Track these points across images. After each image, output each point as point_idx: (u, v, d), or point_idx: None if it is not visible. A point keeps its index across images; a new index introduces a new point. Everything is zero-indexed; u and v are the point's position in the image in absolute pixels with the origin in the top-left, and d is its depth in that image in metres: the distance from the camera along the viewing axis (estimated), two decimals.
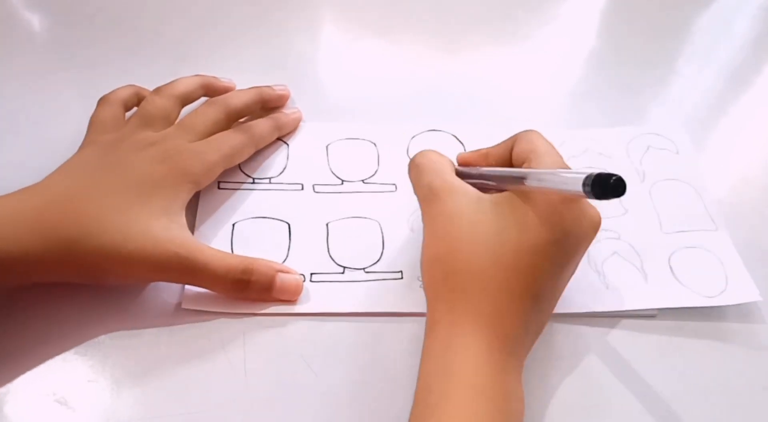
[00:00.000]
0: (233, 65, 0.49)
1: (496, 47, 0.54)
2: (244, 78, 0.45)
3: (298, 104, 0.46)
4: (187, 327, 0.35)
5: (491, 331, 0.30)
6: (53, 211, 0.33)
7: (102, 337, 0.34)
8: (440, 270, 0.31)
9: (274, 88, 0.45)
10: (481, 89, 0.49)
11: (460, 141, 0.45)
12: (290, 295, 0.36)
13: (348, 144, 0.44)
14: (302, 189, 0.41)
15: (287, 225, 0.39)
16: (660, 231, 0.41)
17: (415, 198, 0.41)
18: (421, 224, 0.40)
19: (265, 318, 0.35)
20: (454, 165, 0.37)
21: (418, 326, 0.36)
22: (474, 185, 0.34)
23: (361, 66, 0.51)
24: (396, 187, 0.42)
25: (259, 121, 0.42)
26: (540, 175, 0.30)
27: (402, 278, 0.38)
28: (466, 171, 0.36)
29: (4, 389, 0.32)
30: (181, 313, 0.35)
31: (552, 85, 0.51)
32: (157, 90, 0.41)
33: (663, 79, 0.52)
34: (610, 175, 0.25)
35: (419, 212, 0.40)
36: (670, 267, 0.39)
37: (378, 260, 0.38)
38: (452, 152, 0.44)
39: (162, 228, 0.34)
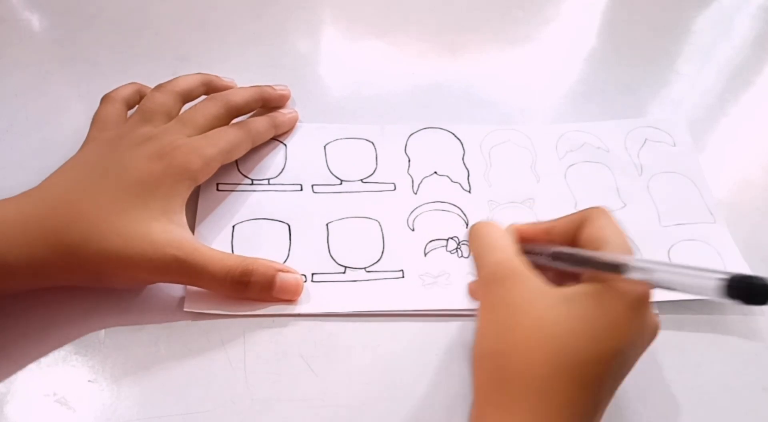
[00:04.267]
0: (233, 65, 0.49)
1: (496, 47, 0.54)
2: (244, 77, 0.45)
3: (297, 104, 0.46)
4: (187, 326, 0.35)
5: None
6: (56, 215, 0.33)
7: (102, 337, 0.34)
8: (494, 370, 0.28)
9: (275, 87, 0.45)
10: (482, 89, 0.49)
11: (458, 138, 0.45)
12: (291, 295, 0.36)
13: (346, 144, 0.44)
14: (301, 189, 0.41)
15: (287, 226, 0.39)
16: (659, 225, 0.41)
17: (414, 197, 0.41)
18: (421, 223, 0.40)
19: (266, 318, 0.35)
20: (516, 243, 0.33)
21: (418, 326, 0.36)
22: (532, 261, 0.31)
23: (361, 66, 0.51)
24: (395, 186, 0.42)
25: (256, 119, 0.42)
26: (650, 268, 0.26)
27: (403, 277, 0.38)
28: (531, 247, 0.32)
29: (4, 389, 0.32)
30: (181, 313, 0.35)
31: (552, 85, 0.51)
32: (158, 87, 0.41)
33: (663, 79, 0.52)
34: (759, 279, 0.21)
35: (419, 211, 0.40)
36: (670, 260, 0.39)
37: (379, 259, 0.38)
38: (452, 153, 0.44)
39: (161, 231, 0.34)
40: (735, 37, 0.57)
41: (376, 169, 0.43)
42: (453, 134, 0.45)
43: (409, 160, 0.43)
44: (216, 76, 0.44)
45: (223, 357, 0.34)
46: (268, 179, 0.42)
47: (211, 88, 0.43)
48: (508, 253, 0.30)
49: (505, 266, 0.30)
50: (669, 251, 0.39)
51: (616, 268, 0.27)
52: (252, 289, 0.35)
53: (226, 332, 0.35)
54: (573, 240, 0.31)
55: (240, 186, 0.41)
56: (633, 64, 0.53)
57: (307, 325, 0.35)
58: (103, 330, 0.34)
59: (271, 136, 0.43)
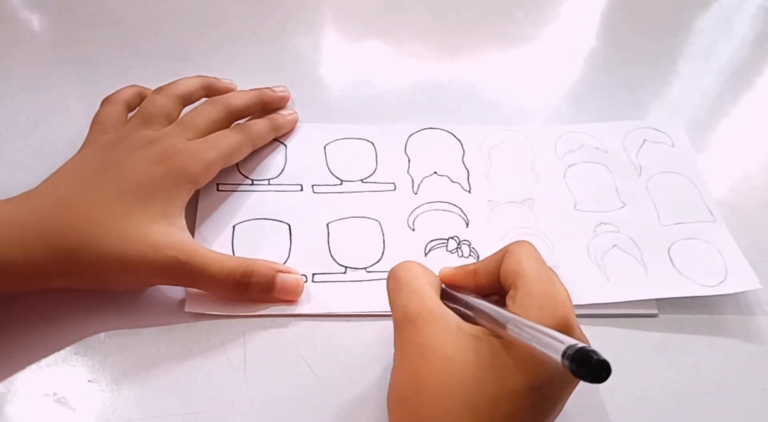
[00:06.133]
0: (233, 65, 0.49)
1: (496, 47, 0.54)
2: (244, 78, 0.45)
3: (297, 104, 0.46)
4: (187, 326, 0.35)
5: None
6: (55, 217, 0.33)
7: (102, 337, 0.34)
8: (405, 415, 0.27)
9: (275, 89, 0.45)
10: (482, 89, 0.49)
11: (457, 139, 0.45)
12: (291, 295, 0.36)
13: (346, 144, 0.44)
14: (301, 189, 0.41)
15: (288, 226, 0.39)
16: (658, 224, 0.41)
17: (414, 197, 0.41)
18: (421, 223, 0.40)
19: (266, 318, 0.35)
20: (439, 283, 0.32)
21: None
22: (456, 310, 0.30)
23: (361, 66, 0.51)
24: (395, 186, 0.42)
25: (256, 121, 0.42)
26: (521, 325, 0.25)
27: None
28: (452, 294, 0.32)
29: (4, 389, 0.32)
30: (181, 313, 0.35)
31: (552, 85, 0.51)
32: (159, 89, 0.41)
33: (663, 79, 0.52)
34: (593, 354, 0.21)
35: (419, 211, 0.41)
36: (670, 259, 0.39)
37: (379, 259, 0.38)
38: (451, 153, 0.44)
39: (161, 233, 0.34)
40: (735, 37, 0.57)
41: (376, 169, 0.43)
42: (453, 134, 0.45)
43: (409, 160, 0.43)
44: (216, 79, 0.44)
45: (223, 357, 0.34)
46: (269, 179, 0.42)
47: (211, 90, 0.43)
48: (420, 294, 0.29)
49: (415, 307, 0.28)
50: (669, 250, 0.39)
51: (501, 324, 0.26)
52: (252, 290, 0.35)
53: (226, 332, 0.35)
54: (497, 279, 0.31)
55: (240, 186, 0.41)
56: (633, 64, 0.53)
57: (307, 325, 0.35)
58: (103, 333, 0.34)
59: (272, 139, 0.43)
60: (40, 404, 0.32)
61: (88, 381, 0.32)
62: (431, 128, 0.45)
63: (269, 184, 0.41)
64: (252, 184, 0.41)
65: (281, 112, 0.44)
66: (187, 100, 0.41)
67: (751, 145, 0.48)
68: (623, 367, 0.34)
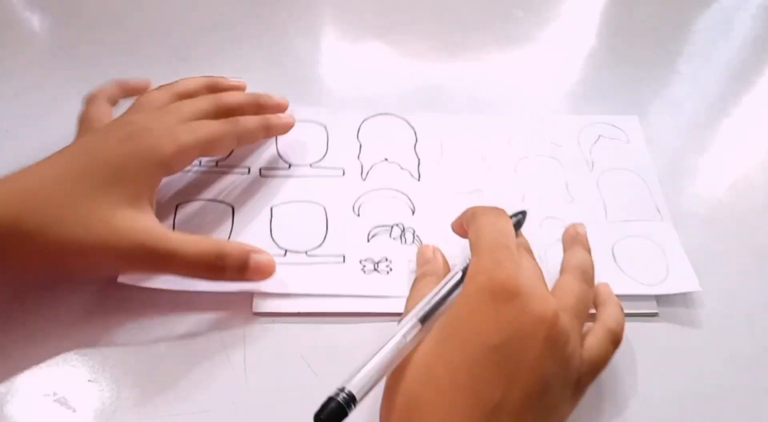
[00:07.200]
0: (233, 65, 0.49)
1: (496, 47, 0.54)
2: (244, 78, 0.45)
3: (297, 104, 0.46)
4: (188, 327, 0.35)
5: None
6: (15, 202, 0.31)
7: (102, 337, 0.34)
8: (387, 407, 0.29)
9: (274, 97, 0.43)
10: (482, 89, 0.49)
11: (411, 126, 0.45)
12: (265, 275, 0.35)
13: (297, 127, 0.43)
14: (248, 172, 0.41)
15: (231, 208, 0.39)
16: (605, 220, 0.41)
17: (362, 183, 0.42)
18: (367, 209, 0.40)
19: (266, 318, 0.35)
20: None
21: None
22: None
23: (361, 66, 0.51)
24: (344, 172, 0.42)
25: (247, 117, 0.40)
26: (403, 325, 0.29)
27: (344, 262, 0.37)
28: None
29: (4, 389, 0.32)
30: (182, 313, 0.35)
31: (552, 85, 0.51)
32: (160, 86, 0.40)
33: (663, 79, 0.52)
34: (330, 399, 0.26)
35: (366, 197, 0.41)
36: (613, 255, 0.39)
37: (320, 244, 0.38)
38: (404, 141, 0.44)
39: (126, 218, 0.33)
40: (735, 37, 0.57)
41: (326, 153, 0.43)
42: (407, 122, 0.45)
43: (360, 146, 0.43)
44: (222, 78, 0.43)
45: (223, 357, 0.34)
46: (216, 161, 0.42)
47: (215, 90, 0.42)
48: None
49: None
50: (613, 247, 0.39)
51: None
52: (227, 271, 0.34)
53: (226, 332, 0.35)
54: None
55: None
56: (633, 64, 0.53)
57: (307, 325, 0.35)
58: (103, 333, 0.34)
59: (262, 137, 0.42)
60: (40, 404, 0.32)
61: (88, 381, 0.32)
62: (386, 114, 0.45)
63: (216, 166, 0.41)
64: (200, 166, 0.41)
65: (278, 114, 0.43)
66: (184, 97, 0.40)
67: (751, 145, 0.48)
68: (623, 367, 0.34)
